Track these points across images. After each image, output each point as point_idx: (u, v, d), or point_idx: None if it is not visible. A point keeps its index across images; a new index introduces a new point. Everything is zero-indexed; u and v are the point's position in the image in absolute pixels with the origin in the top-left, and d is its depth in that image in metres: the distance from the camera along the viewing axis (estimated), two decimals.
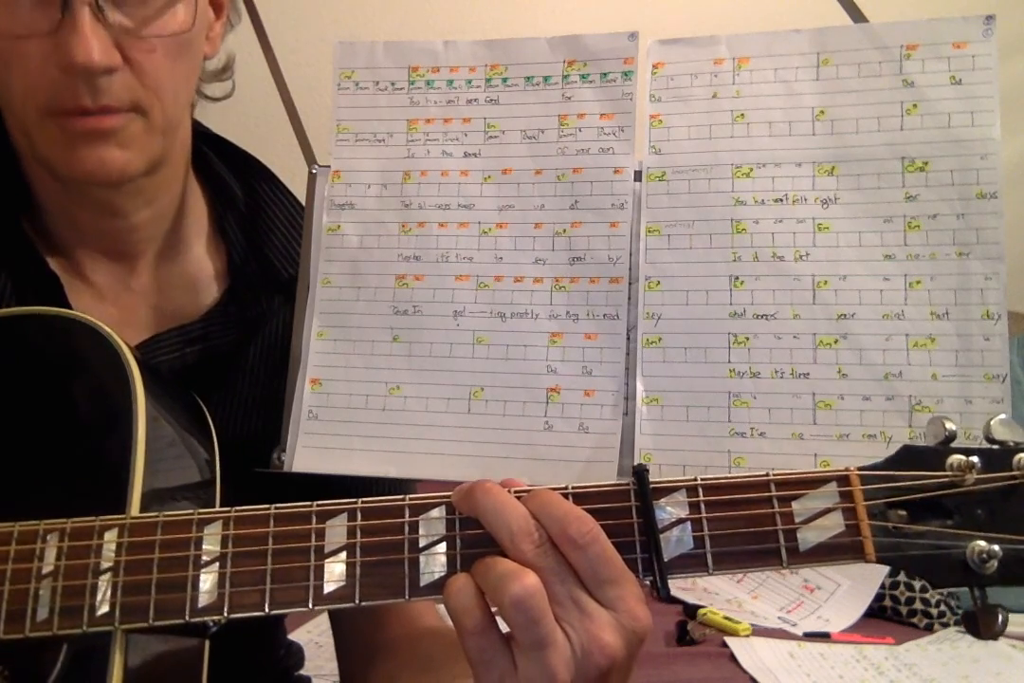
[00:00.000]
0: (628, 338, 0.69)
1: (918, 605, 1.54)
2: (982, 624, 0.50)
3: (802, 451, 0.64)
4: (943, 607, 1.53)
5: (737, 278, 0.67)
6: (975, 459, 0.51)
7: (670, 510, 0.53)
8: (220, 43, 0.77)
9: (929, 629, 1.52)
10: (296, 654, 0.96)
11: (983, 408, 0.63)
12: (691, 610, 1.51)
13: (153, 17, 0.65)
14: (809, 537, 0.52)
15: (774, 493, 0.53)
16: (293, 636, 1.05)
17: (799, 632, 1.49)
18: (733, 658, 1.35)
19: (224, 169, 0.83)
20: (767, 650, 1.38)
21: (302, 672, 0.97)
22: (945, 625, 1.52)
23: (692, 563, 0.52)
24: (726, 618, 1.47)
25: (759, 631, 1.46)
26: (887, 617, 1.57)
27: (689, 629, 1.43)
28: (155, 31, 0.65)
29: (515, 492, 0.52)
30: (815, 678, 1.30)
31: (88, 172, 0.67)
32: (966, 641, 1.42)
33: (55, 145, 0.67)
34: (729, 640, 1.41)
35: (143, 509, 0.57)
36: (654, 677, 1.27)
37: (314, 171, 0.76)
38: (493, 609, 0.50)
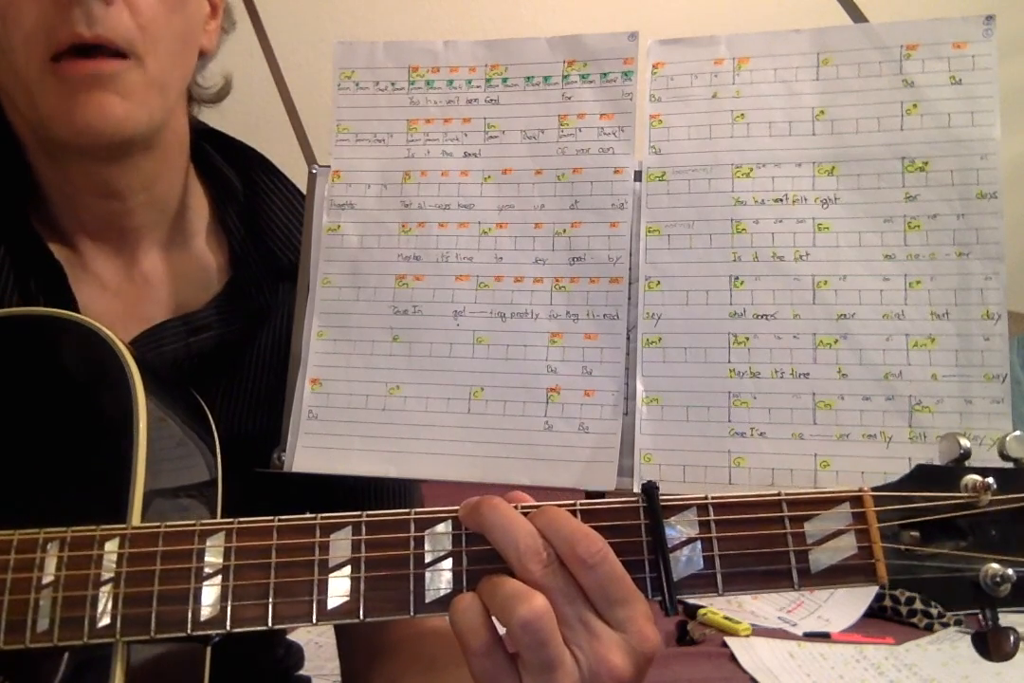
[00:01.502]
0: (628, 338, 0.69)
1: (918, 605, 1.54)
2: (992, 646, 0.50)
3: (802, 451, 0.64)
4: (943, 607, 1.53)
5: (737, 278, 0.67)
6: (990, 480, 0.50)
7: (680, 529, 0.52)
8: (217, 40, 0.78)
9: (929, 629, 1.52)
10: (296, 654, 0.96)
11: (983, 408, 0.63)
12: (691, 610, 1.51)
13: None
14: (821, 559, 0.51)
15: (786, 513, 0.52)
16: (293, 636, 1.05)
17: (799, 632, 1.49)
18: (733, 658, 1.35)
19: (222, 162, 0.84)
20: (767, 650, 1.38)
21: (302, 672, 0.97)
22: (945, 625, 1.52)
23: (702, 583, 0.51)
24: (726, 618, 1.47)
25: (759, 631, 1.46)
26: (887, 617, 1.57)
27: (689, 629, 1.43)
28: None
29: (522, 508, 0.51)
30: (815, 678, 1.30)
31: (88, 122, 0.66)
32: (966, 641, 1.41)
33: (55, 98, 0.67)
34: (729, 640, 1.41)
35: (144, 511, 0.57)
36: (654, 677, 1.26)
37: (314, 171, 0.76)
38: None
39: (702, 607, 1.50)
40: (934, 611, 1.53)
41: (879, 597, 1.57)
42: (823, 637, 1.46)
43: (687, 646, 1.41)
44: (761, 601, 1.62)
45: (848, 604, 1.58)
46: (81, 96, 0.66)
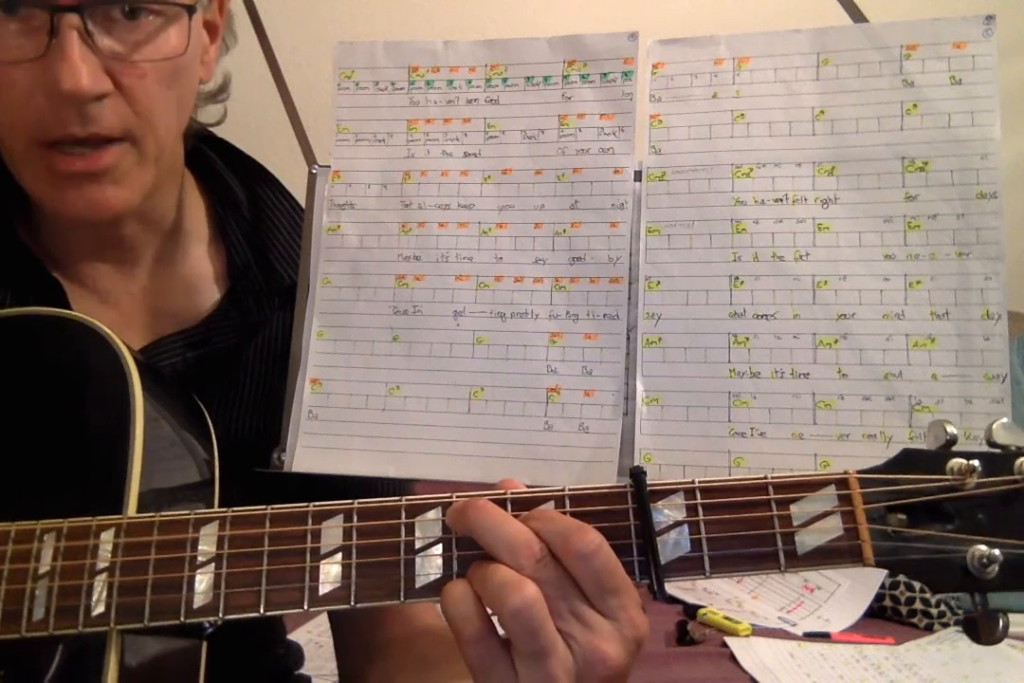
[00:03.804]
0: (628, 338, 0.69)
1: (918, 605, 1.54)
2: (983, 630, 0.50)
3: (802, 451, 0.64)
4: (943, 607, 1.53)
5: (737, 278, 0.67)
6: (976, 463, 0.51)
7: (667, 513, 0.52)
8: (215, 66, 0.76)
9: (929, 629, 1.52)
10: (295, 653, 0.96)
11: (983, 408, 0.63)
12: (691, 610, 1.51)
13: (144, 42, 0.64)
14: (807, 541, 0.51)
15: (772, 496, 0.52)
16: (293, 636, 1.05)
17: (799, 632, 1.49)
18: (733, 658, 1.35)
19: (227, 171, 0.83)
20: (767, 650, 1.38)
21: (302, 671, 0.97)
22: (945, 625, 1.52)
23: (689, 566, 0.51)
24: (726, 618, 1.47)
25: (759, 631, 1.46)
26: (887, 617, 1.57)
27: (689, 629, 1.43)
28: (147, 56, 0.64)
29: (512, 512, 0.52)
30: (815, 678, 1.30)
31: (79, 214, 0.66)
32: (966, 641, 1.41)
33: (43, 183, 0.66)
34: (729, 640, 1.41)
35: (140, 509, 0.57)
36: (654, 677, 1.27)
37: (314, 171, 0.76)
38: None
39: (702, 607, 1.51)
40: (934, 611, 1.53)
41: (879, 597, 1.57)
42: (823, 637, 1.47)
43: (687, 646, 1.41)
44: (761, 601, 1.62)
45: (848, 604, 1.58)
46: (70, 191, 0.65)
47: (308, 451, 0.71)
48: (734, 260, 0.68)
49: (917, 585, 1.55)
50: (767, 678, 1.29)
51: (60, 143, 0.64)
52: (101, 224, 0.70)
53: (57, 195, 0.66)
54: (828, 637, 1.47)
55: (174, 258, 0.79)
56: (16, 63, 0.61)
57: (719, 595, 1.62)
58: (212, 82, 0.78)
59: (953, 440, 0.52)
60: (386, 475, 0.70)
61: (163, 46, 0.65)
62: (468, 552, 0.52)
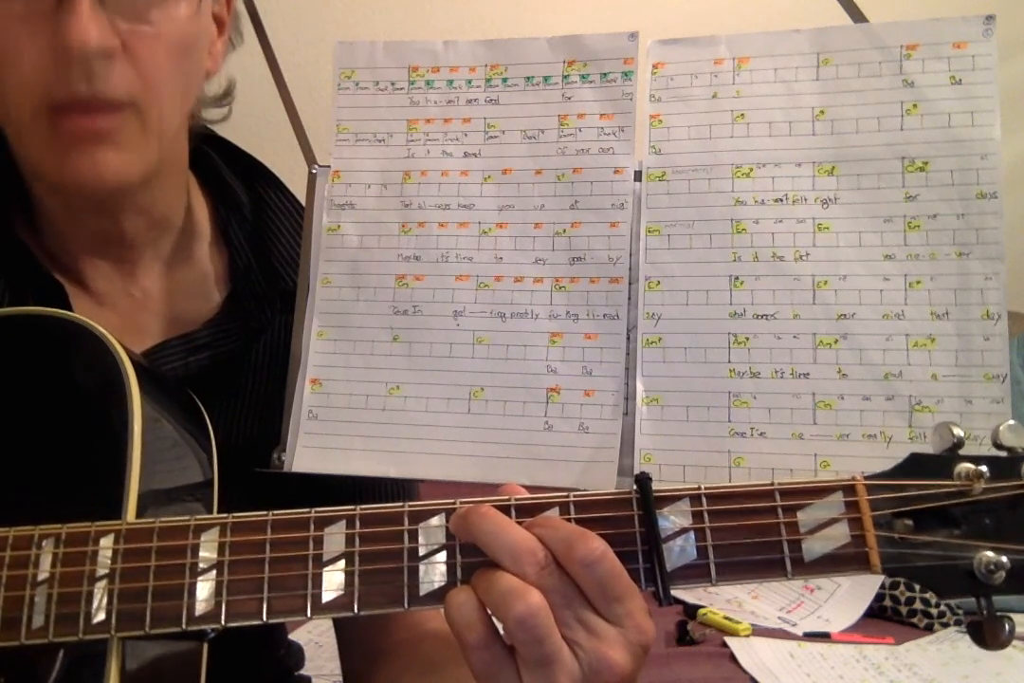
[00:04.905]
0: (628, 338, 0.69)
1: (918, 605, 1.54)
2: (988, 634, 0.50)
3: (802, 451, 0.64)
4: (943, 607, 1.53)
5: (737, 278, 0.67)
6: (984, 468, 0.50)
7: (673, 519, 0.52)
8: (223, 60, 0.76)
9: (929, 629, 1.51)
10: (296, 654, 0.96)
11: (983, 408, 0.63)
12: (691, 610, 1.51)
13: (155, 3, 0.64)
14: (814, 548, 0.51)
15: (779, 503, 0.52)
16: (293, 636, 1.05)
17: (799, 632, 1.49)
18: (733, 658, 1.35)
19: (228, 173, 0.83)
20: (767, 650, 1.38)
21: (302, 672, 0.97)
22: (945, 625, 1.52)
23: (695, 573, 0.51)
24: (726, 618, 1.47)
25: (759, 631, 1.46)
26: (887, 617, 1.56)
27: (689, 629, 1.43)
28: (156, 18, 0.64)
29: (516, 519, 0.51)
30: (815, 678, 1.30)
31: (81, 178, 0.66)
32: (966, 641, 1.41)
33: (47, 149, 0.65)
34: (729, 640, 1.41)
35: (140, 512, 0.57)
36: (654, 677, 1.27)
37: (314, 171, 0.76)
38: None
39: (702, 607, 1.50)
40: (934, 611, 1.52)
41: (879, 597, 1.57)
42: (823, 637, 1.46)
43: (687, 646, 1.41)
44: (761, 601, 1.62)
45: (848, 604, 1.58)
46: (74, 152, 0.65)
47: (308, 451, 0.71)
48: (734, 260, 0.68)
49: (917, 585, 1.55)
50: (767, 678, 1.29)
51: (65, 107, 0.63)
52: (102, 194, 0.69)
53: (59, 161, 0.65)
54: (828, 637, 1.47)
55: (177, 260, 0.79)
56: (24, 19, 0.62)
57: (719, 595, 1.62)
58: (217, 85, 0.78)
59: (960, 443, 0.52)
60: (386, 475, 0.70)
61: (172, 11, 0.65)
62: (472, 559, 0.51)
